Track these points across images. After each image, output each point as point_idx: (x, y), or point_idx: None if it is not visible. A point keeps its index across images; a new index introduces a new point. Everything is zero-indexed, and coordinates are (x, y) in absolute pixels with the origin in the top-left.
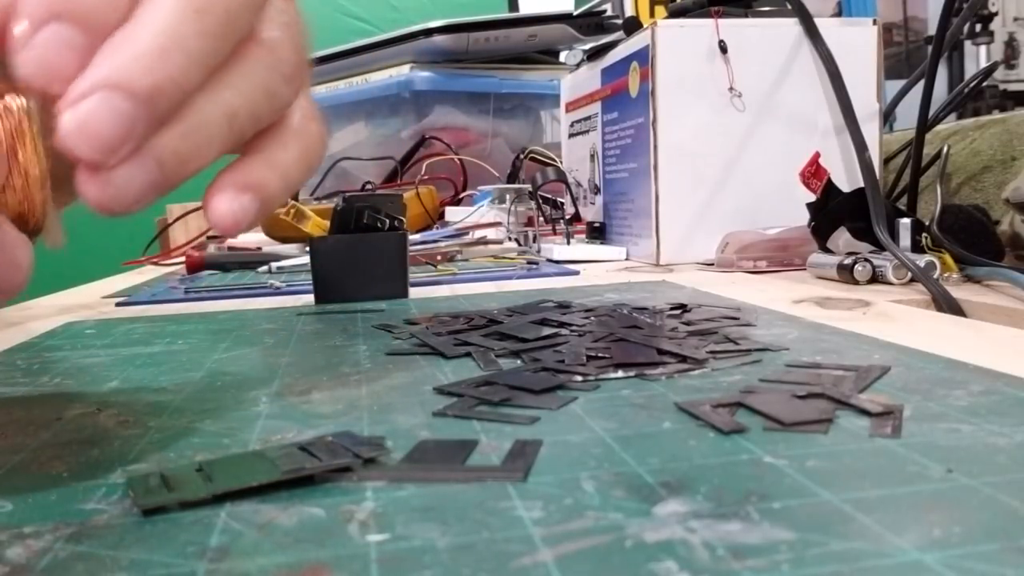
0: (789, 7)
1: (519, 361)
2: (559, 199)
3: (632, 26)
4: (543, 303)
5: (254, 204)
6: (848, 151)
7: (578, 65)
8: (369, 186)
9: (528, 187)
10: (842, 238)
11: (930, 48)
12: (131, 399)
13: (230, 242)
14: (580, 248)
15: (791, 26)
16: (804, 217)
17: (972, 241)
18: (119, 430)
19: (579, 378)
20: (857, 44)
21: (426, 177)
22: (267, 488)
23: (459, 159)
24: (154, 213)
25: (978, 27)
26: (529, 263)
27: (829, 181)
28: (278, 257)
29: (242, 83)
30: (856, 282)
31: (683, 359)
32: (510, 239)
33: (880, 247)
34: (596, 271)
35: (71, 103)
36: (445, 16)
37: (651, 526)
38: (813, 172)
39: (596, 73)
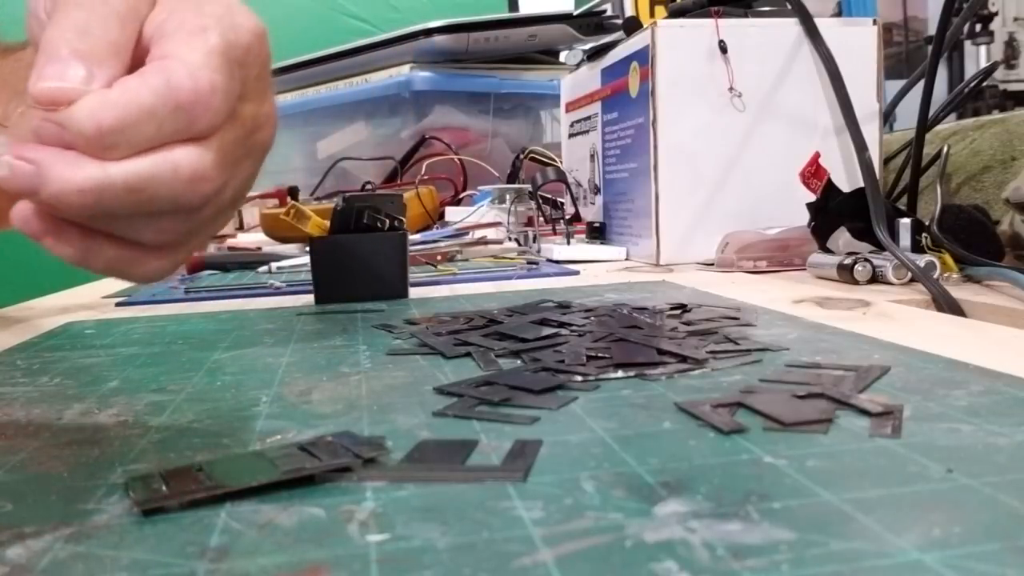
0: (789, 7)
1: (519, 361)
2: (559, 199)
3: (632, 26)
4: (543, 303)
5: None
6: (848, 151)
7: (578, 65)
8: (369, 186)
9: (528, 187)
10: (842, 238)
11: (930, 48)
12: (131, 399)
13: (230, 242)
14: (580, 248)
15: (791, 26)
16: (804, 217)
17: (972, 241)
18: (119, 430)
19: (579, 378)
20: (857, 44)
21: (426, 177)
22: (267, 488)
23: (459, 159)
24: None
25: (978, 27)
26: (529, 263)
27: (829, 181)
28: (278, 257)
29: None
30: (856, 282)
31: (683, 359)
32: (510, 239)
33: (880, 247)
34: (596, 271)
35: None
36: (445, 16)
37: (651, 526)
38: (813, 172)
39: (596, 73)
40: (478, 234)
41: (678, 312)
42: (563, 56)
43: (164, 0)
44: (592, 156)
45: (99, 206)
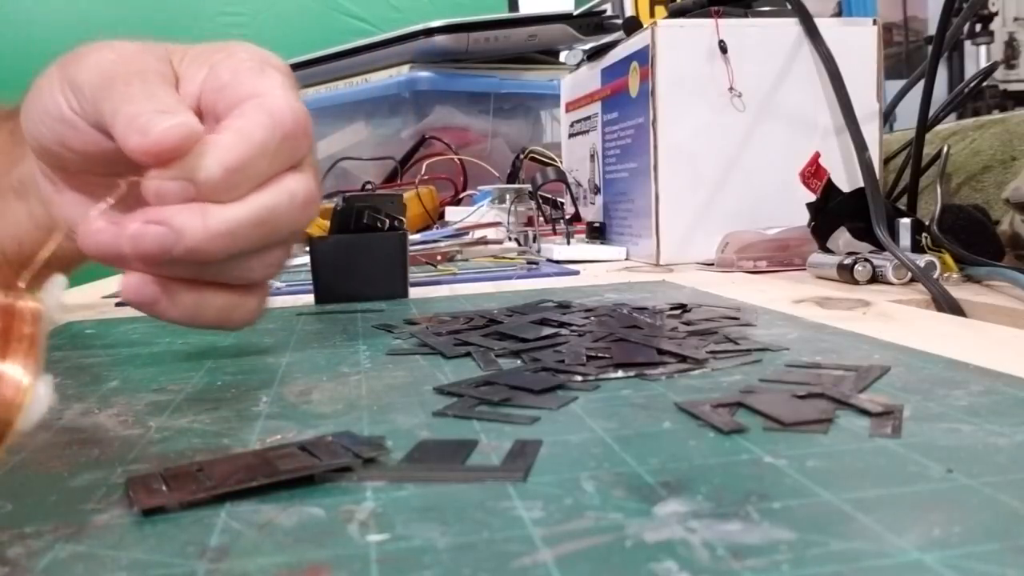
0: (789, 7)
1: (519, 361)
2: (559, 199)
3: (632, 26)
4: (543, 303)
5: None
6: (848, 151)
7: (578, 65)
8: (369, 186)
9: (528, 187)
10: (842, 238)
11: (930, 48)
12: (131, 399)
13: None
14: (580, 248)
15: (791, 26)
16: (804, 217)
17: (972, 241)
18: (119, 430)
19: (579, 378)
20: (857, 44)
21: (426, 177)
22: (267, 488)
23: (459, 159)
24: None
25: (978, 27)
26: (529, 263)
27: (829, 181)
28: None
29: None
30: (856, 282)
31: (683, 359)
32: (510, 239)
33: (880, 247)
34: (596, 271)
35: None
36: (445, 16)
37: (651, 526)
38: (813, 172)
39: (596, 73)
40: (478, 234)
41: (678, 312)
42: (563, 56)
43: (186, 61)
44: (592, 156)
45: (232, 247)
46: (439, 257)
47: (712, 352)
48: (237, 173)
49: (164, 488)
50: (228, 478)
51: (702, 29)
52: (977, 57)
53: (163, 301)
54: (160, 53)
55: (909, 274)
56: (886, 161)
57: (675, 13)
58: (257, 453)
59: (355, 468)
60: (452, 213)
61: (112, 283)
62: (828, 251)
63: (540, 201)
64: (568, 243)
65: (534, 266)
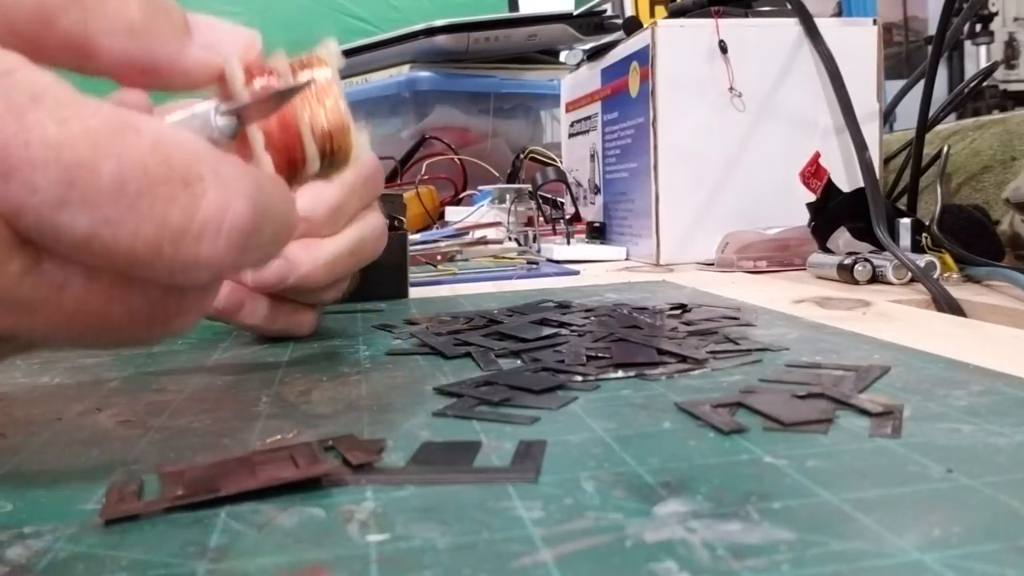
0: (789, 7)
1: (519, 361)
2: (559, 199)
3: (632, 26)
4: (543, 303)
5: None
6: (848, 151)
7: (578, 65)
8: None
9: (528, 187)
10: (842, 238)
11: (930, 48)
12: (131, 399)
13: None
14: (580, 248)
15: (791, 26)
16: (804, 217)
17: (972, 241)
18: (119, 430)
19: (579, 378)
20: (857, 44)
21: (426, 177)
22: (250, 494)
23: (459, 159)
24: None
25: (978, 27)
26: (529, 263)
27: (829, 181)
28: None
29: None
30: (856, 282)
31: (683, 359)
32: (510, 239)
33: (880, 247)
34: (596, 271)
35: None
36: (445, 16)
37: (651, 526)
38: (813, 172)
39: (596, 73)
40: (478, 234)
41: (678, 312)
42: (563, 56)
43: None
44: (592, 156)
45: (333, 275)
46: (439, 257)
47: (712, 352)
48: (338, 212)
49: (137, 496)
50: (200, 487)
51: (702, 29)
52: (977, 57)
53: (246, 309)
54: None
55: (909, 274)
56: (886, 161)
57: (675, 13)
58: (243, 459)
59: (343, 475)
60: (452, 213)
61: None
62: (828, 251)
63: (540, 201)
64: (568, 243)
65: (534, 266)
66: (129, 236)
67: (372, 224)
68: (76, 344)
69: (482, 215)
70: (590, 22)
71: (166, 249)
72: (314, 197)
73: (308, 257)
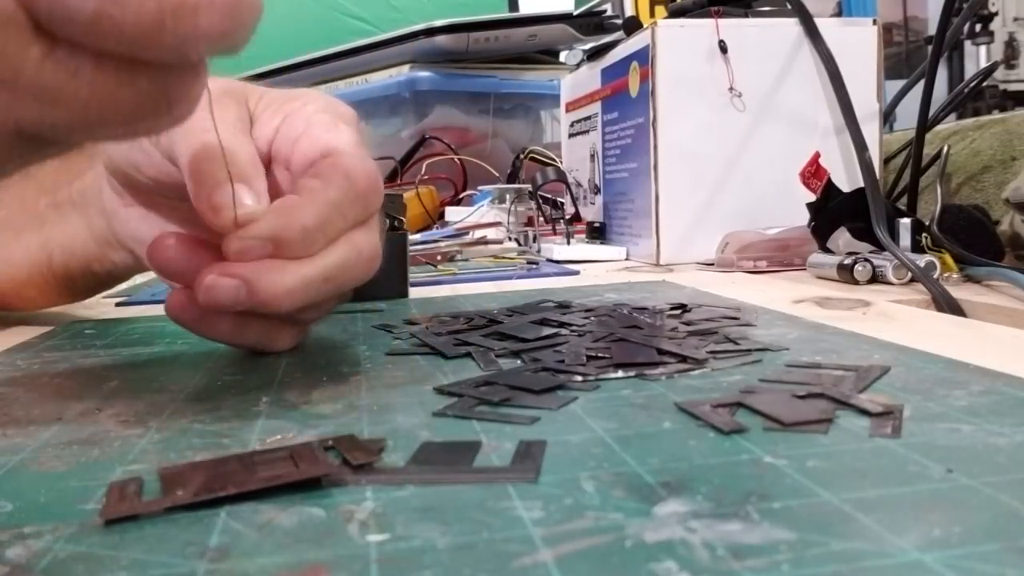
0: (789, 7)
1: (519, 361)
2: (559, 199)
3: (632, 26)
4: (543, 303)
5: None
6: (848, 151)
7: (578, 65)
8: None
9: (528, 187)
10: (842, 238)
11: (930, 48)
12: (131, 399)
13: None
14: (580, 248)
15: (791, 26)
16: (804, 217)
17: (972, 241)
18: (119, 430)
19: (579, 378)
20: (857, 44)
21: (426, 177)
22: (249, 494)
23: (459, 159)
24: None
25: (978, 27)
26: (529, 263)
27: (829, 181)
28: None
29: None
30: (856, 282)
31: (683, 359)
32: (510, 239)
33: (880, 247)
34: (596, 271)
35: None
36: (445, 16)
37: (651, 526)
38: (813, 172)
39: (596, 73)
40: (478, 234)
41: (678, 312)
42: (563, 56)
43: (262, 104)
44: (592, 156)
45: (302, 301)
46: (439, 257)
47: (712, 352)
48: (315, 233)
49: (137, 496)
50: (200, 487)
51: (702, 29)
52: (977, 57)
53: (204, 323)
54: (239, 96)
55: (909, 274)
56: (886, 161)
57: (675, 13)
58: (243, 458)
59: (344, 475)
60: (452, 213)
61: None
62: (828, 251)
63: (540, 201)
64: (568, 243)
65: (534, 266)
66: (134, 12)
67: (359, 247)
68: (95, 135)
69: (482, 215)
70: (590, 22)
71: (168, 23)
72: (286, 214)
73: (270, 281)
